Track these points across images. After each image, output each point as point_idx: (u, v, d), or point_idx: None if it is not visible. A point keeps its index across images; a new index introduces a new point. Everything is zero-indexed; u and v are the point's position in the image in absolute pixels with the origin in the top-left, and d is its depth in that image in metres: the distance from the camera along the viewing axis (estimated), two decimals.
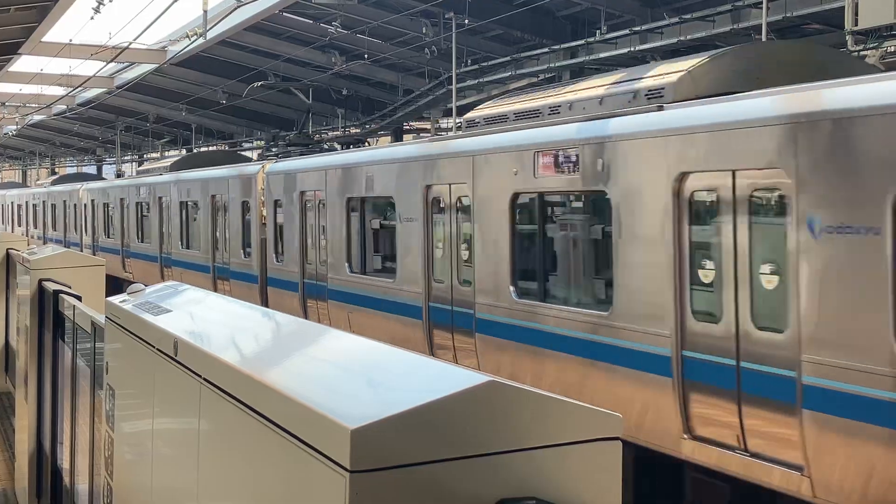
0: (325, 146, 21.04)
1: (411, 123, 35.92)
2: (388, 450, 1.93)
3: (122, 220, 27.61)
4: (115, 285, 22.19)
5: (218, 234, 20.46)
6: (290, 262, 16.89)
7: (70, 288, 7.85)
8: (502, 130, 11.31)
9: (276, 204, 17.56)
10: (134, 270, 26.28)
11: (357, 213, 14.67)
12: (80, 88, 37.06)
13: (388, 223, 13.83)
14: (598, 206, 9.78)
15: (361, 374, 2.45)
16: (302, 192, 16.42)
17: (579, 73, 25.23)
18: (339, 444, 1.96)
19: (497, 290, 11.07)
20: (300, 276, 16.48)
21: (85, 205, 32.29)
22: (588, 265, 10.01)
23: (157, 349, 3.67)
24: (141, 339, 3.99)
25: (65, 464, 6.94)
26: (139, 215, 26.19)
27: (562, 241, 10.45)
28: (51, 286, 8.10)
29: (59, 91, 39.86)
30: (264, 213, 18.10)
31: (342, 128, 34.75)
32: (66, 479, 6.83)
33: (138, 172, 30.91)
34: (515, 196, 10.72)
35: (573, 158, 9.76)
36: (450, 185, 11.99)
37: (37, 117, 48.53)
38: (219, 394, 2.83)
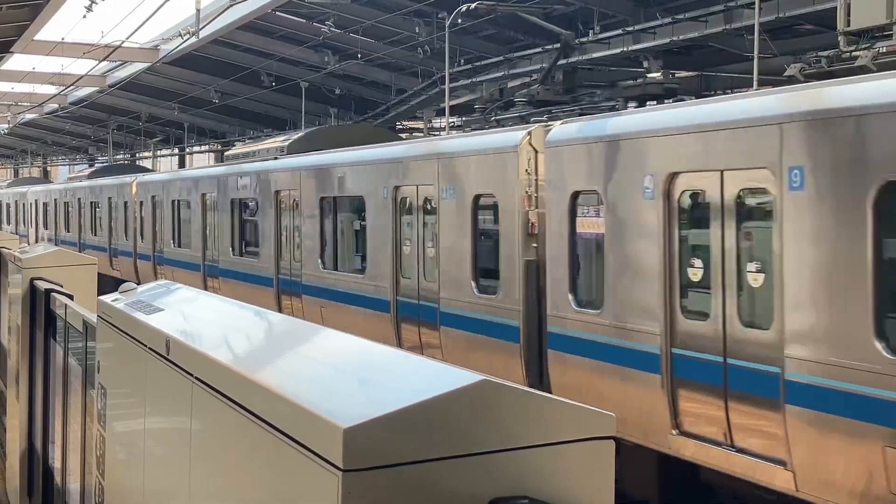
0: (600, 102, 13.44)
1: (404, 123, 35.94)
2: (381, 449, 1.93)
3: (205, 225, 20.54)
4: None
5: (406, 250, 13.48)
6: (618, 309, 9.52)
7: (62, 287, 7.83)
8: None
9: (575, 199, 10.25)
10: (225, 294, 17.08)
11: None
12: (72, 87, 37.00)
13: None
14: None
15: (354, 374, 2.44)
16: (672, 175, 8.88)
17: (572, 73, 25.26)
18: (331, 443, 1.95)
19: None
20: (664, 342, 8.86)
21: (141, 202, 25.55)
22: None
23: (149, 348, 3.66)
24: (133, 338, 3.97)
25: (56, 463, 6.92)
26: (236, 217, 19.31)
27: None
28: (42, 285, 8.07)
29: (50, 90, 39.83)
30: (533, 217, 11.24)
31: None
32: (58, 479, 6.81)
33: (227, 158, 22.60)
34: None
35: None
36: None
37: (28, 116, 48.46)
38: (211, 393, 2.82)
